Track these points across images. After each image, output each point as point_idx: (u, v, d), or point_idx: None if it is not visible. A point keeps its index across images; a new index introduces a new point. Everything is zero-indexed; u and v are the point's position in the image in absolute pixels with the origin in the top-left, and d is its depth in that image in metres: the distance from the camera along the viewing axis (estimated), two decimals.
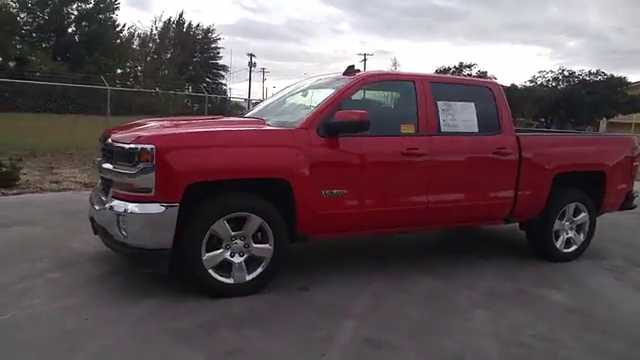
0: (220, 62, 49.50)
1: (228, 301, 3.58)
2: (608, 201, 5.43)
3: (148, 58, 46.18)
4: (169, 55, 46.95)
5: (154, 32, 46.69)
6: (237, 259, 3.69)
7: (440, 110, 4.45)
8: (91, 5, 39.54)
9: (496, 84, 4.94)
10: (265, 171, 3.69)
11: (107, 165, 3.73)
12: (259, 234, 3.75)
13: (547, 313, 3.81)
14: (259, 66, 54.31)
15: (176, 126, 4.07)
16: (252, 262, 3.75)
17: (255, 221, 3.67)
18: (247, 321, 3.33)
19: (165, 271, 3.53)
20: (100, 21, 38.90)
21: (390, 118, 4.52)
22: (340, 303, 3.73)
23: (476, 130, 4.63)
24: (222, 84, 50.64)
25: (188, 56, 46.95)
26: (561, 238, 5.18)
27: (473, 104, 4.66)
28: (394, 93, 4.79)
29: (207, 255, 3.57)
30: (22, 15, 37.04)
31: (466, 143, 4.58)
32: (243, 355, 2.88)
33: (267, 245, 3.74)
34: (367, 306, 3.72)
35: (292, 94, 4.98)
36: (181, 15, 48.43)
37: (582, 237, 5.29)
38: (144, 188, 3.39)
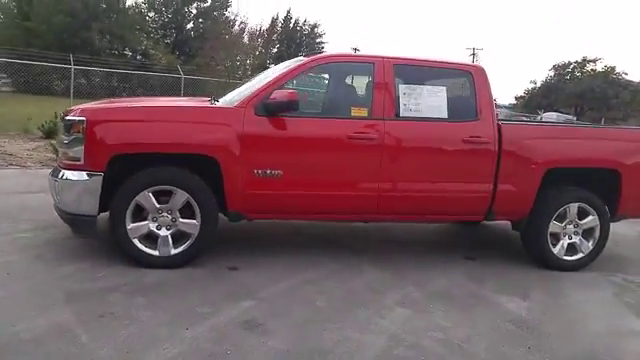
0: None
1: (147, 271, 3.69)
2: (627, 205, 4.67)
3: (257, 52, 48.27)
4: (275, 50, 48.68)
5: (262, 28, 48.76)
6: (163, 232, 3.78)
7: (401, 94, 4.15)
8: (208, 3, 42.35)
9: (479, 68, 4.46)
10: (190, 147, 3.74)
11: (60, 137, 4.04)
12: (188, 209, 3.80)
13: (483, 321, 3.41)
14: None
15: (124, 102, 4.26)
16: (180, 236, 3.82)
17: (181, 196, 3.74)
18: (147, 290, 3.41)
19: (94, 237, 3.74)
20: (214, 17, 41.48)
21: (340, 100, 4.32)
22: (257, 285, 3.67)
23: (444, 116, 4.24)
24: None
25: (295, 51, 48.28)
26: (560, 243, 4.57)
27: (444, 89, 4.27)
28: (350, 75, 4.55)
29: (132, 225, 3.71)
30: (150, 14, 40.73)
31: (428, 129, 4.22)
32: (112, 318, 2.97)
33: (194, 221, 3.79)
34: (281, 291, 3.61)
35: (265, 76, 4.95)
36: (289, 11, 50.07)
37: (591, 244, 4.61)
38: (75, 157, 3.63)
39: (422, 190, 4.20)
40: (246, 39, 46.53)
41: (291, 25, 49.47)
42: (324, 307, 3.40)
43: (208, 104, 4.13)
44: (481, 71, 4.43)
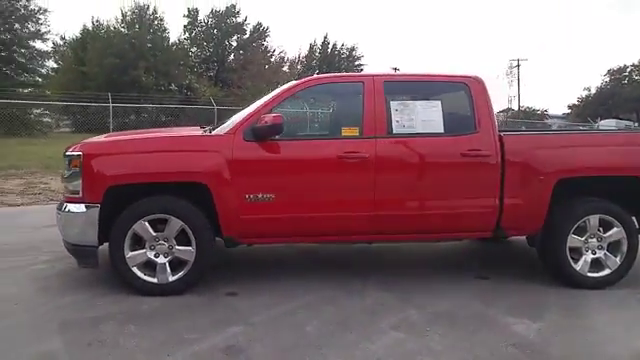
0: None
1: (144, 299, 3.75)
2: None
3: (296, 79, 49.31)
4: (315, 75, 49.46)
5: (301, 55, 49.78)
6: (161, 260, 3.84)
7: (393, 110, 4.07)
8: (247, 35, 43.77)
9: (475, 79, 4.31)
10: (180, 175, 3.81)
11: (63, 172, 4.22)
12: (184, 237, 3.85)
13: (483, 344, 3.21)
14: None
15: (120, 136, 4.41)
16: (178, 264, 3.87)
17: (175, 223, 3.79)
18: (140, 317, 3.46)
19: (95, 266, 3.85)
20: (253, 48, 42.77)
21: (331, 121, 4.29)
22: (251, 310, 3.63)
23: (441, 130, 4.12)
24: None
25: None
26: (583, 259, 4.26)
27: (439, 102, 4.16)
28: (340, 96, 4.51)
29: (130, 254, 3.79)
30: (193, 49, 42.48)
31: (423, 145, 4.09)
32: (99, 346, 3.02)
33: (190, 248, 3.83)
34: (274, 316, 3.56)
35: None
36: (326, 37, 50.90)
37: (618, 259, 4.27)
38: (74, 190, 3.78)
39: (419, 208, 4.07)
40: (286, 67, 47.85)
41: (329, 50, 50.24)
42: (313, 332, 3.32)
43: (200, 133, 4.20)
44: (478, 82, 4.29)
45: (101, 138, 4.29)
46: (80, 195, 3.73)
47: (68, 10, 62.31)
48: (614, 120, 32.84)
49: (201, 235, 3.82)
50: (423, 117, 4.12)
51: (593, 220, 4.23)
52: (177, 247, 3.83)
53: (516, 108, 47.78)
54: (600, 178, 4.27)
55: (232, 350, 3.01)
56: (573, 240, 4.23)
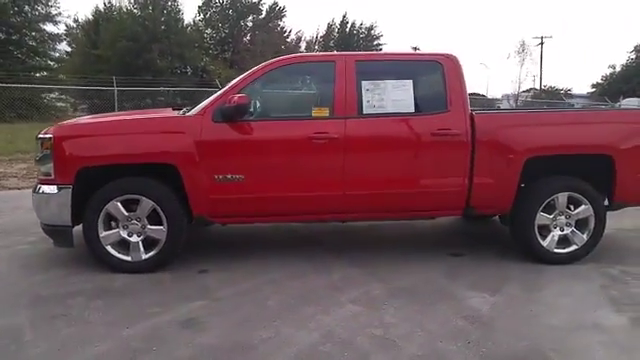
0: None
1: (118, 276, 3.92)
2: (625, 192, 4.33)
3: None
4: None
5: (319, 35, 49.39)
6: (134, 239, 3.99)
7: (364, 90, 4.12)
8: (263, 15, 43.50)
9: (449, 57, 4.30)
10: (150, 156, 3.93)
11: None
12: (156, 216, 3.99)
13: (435, 317, 3.29)
14: None
15: (94, 118, 4.53)
16: (151, 242, 4.02)
17: (147, 204, 3.94)
18: (109, 293, 3.63)
19: (70, 245, 4.02)
20: (269, 29, 42.56)
21: (301, 102, 4.35)
22: (218, 286, 3.78)
23: (411, 110, 4.16)
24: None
25: None
26: (551, 235, 4.31)
27: (411, 81, 4.18)
28: (312, 76, 4.55)
29: (104, 233, 3.95)
30: (207, 31, 42.46)
31: (393, 125, 4.14)
32: (63, 319, 3.19)
33: (161, 227, 3.98)
34: (239, 291, 3.70)
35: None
36: (345, 16, 50.30)
37: (585, 235, 4.31)
38: (47, 172, 3.93)
39: (389, 188, 4.13)
40: (303, 48, 47.57)
41: (347, 29, 49.69)
42: (273, 306, 3.45)
43: (171, 114, 4.30)
44: (452, 60, 4.29)
45: (79, 120, 4.43)
46: (52, 177, 3.88)
47: None
48: (636, 99, 31.89)
49: (172, 215, 3.96)
50: (394, 97, 4.15)
51: (562, 198, 4.26)
52: (149, 226, 3.98)
53: (539, 87, 46.75)
54: (571, 157, 4.26)
55: (190, 323, 3.16)
56: (541, 218, 4.28)
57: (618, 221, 5.09)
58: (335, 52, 4.12)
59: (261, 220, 4.40)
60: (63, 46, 33.91)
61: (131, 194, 3.93)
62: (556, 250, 4.33)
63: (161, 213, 3.95)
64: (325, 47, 49.17)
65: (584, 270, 4.20)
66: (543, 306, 3.50)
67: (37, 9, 27.56)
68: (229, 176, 3.96)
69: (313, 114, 4.15)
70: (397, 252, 4.65)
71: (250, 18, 44.35)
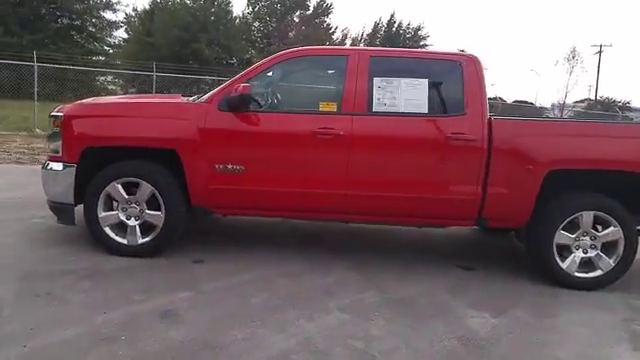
0: None
1: (113, 259, 3.89)
2: None
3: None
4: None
5: (365, 33, 48.90)
6: (132, 222, 3.95)
7: (375, 87, 3.91)
8: (310, 11, 43.52)
9: (470, 58, 4.03)
10: (153, 140, 3.87)
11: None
12: (155, 201, 3.93)
13: (427, 334, 3.08)
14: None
15: (107, 100, 4.51)
16: (149, 227, 3.96)
17: (146, 188, 3.88)
18: (100, 275, 3.60)
19: (72, 223, 4.02)
20: (315, 25, 42.55)
21: (310, 95, 4.19)
22: (209, 278, 3.69)
23: (425, 111, 3.92)
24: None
25: None
26: (572, 257, 3.98)
27: (426, 81, 3.94)
28: (323, 69, 4.37)
29: (103, 214, 3.93)
30: (255, 24, 42.86)
31: (403, 125, 3.92)
32: (46, 298, 3.17)
33: (159, 212, 3.91)
34: (228, 285, 3.59)
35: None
36: (392, 15, 49.66)
37: (613, 261, 3.95)
38: (55, 149, 3.95)
39: (394, 190, 3.91)
40: (348, 45, 47.31)
41: (394, 29, 49.04)
42: (257, 304, 3.32)
43: (178, 100, 4.23)
44: (472, 61, 4.02)
45: (92, 100, 4.43)
46: (60, 154, 3.89)
47: None
48: None
49: (170, 201, 3.89)
50: (407, 96, 3.93)
51: (586, 217, 3.91)
52: (147, 211, 3.92)
53: (594, 98, 44.71)
54: (600, 172, 3.92)
55: (167, 314, 3.07)
56: (562, 236, 3.95)
57: None
58: (350, 46, 3.97)
59: (260, 213, 4.27)
60: (121, 33, 35.07)
61: (131, 177, 3.88)
62: (577, 274, 3.98)
63: (160, 199, 3.88)
64: (370, 45, 48.68)
65: (609, 299, 3.84)
66: (552, 334, 3.21)
67: None
68: (229, 166, 3.85)
69: (320, 109, 3.97)
70: (403, 259, 4.43)
71: (297, 13, 44.49)
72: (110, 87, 27.00)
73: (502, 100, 43.06)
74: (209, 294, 3.42)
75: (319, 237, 4.98)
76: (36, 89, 12.39)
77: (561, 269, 3.97)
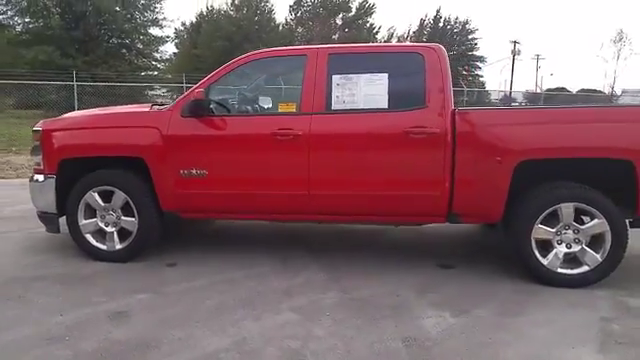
0: (477, 53, 47.56)
1: (91, 264, 4.09)
2: None
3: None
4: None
5: (411, 30, 48.12)
6: (110, 229, 4.13)
7: (334, 85, 3.88)
8: (352, 13, 43.47)
9: (432, 48, 3.90)
10: (120, 149, 4.02)
11: None
12: (130, 208, 4.09)
13: (371, 336, 3.00)
14: (532, 52, 49.69)
15: (82, 113, 4.71)
16: (126, 233, 4.13)
17: (120, 195, 4.05)
18: (73, 279, 3.78)
19: (57, 231, 4.25)
20: (358, 25, 42.43)
21: (271, 96, 4.19)
22: (175, 280, 3.79)
23: (384, 106, 3.84)
24: (479, 76, 48.58)
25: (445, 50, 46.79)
26: (554, 252, 3.75)
27: (386, 75, 3.86)
28: (284, 70, 4.37)
29: (83, 222, 4.13)
30: (299, 30, 43.35)
31: (362, 122, 3.85)
32: (15, 301, 3.38)
33: (133, 219, 4.07)
34: (190, 288, 3.66)
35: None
36: (438, 11, 48.58)
37: (600, 255, 3.69)
38: (37, 162, 4.19)
39: (357, 189, 3.85)
40: (394, 43, 46.88)
41: (440, 24, 47.96)
42: (210, 305, 3.36)
43: (145, 109, 4.37)
44: (434, 51, 3.90)
45: (70, 114, 4.67)
46: (41, 167, 4.12)
47: None
48: None
49: (142, 207, 4.03)
50: (366, 92, 3.87)
51: (566, 209, 3.68)
52: (123, 218, 4.09)
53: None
54: (579, 161, 3.68)
55: (118, 315, 3.18)
56: (540, 231, 3.74)
57: None
58: (309, 45, 3.91)
59: (226, 217, 4.33)
60: (171, 47, 36.52)
61: (106, 185, 4.05)
62: (561, 270, 3.75)
63: (133, 205, 4.03)
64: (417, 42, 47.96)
65: (593, 297, 3.58)
66: (508, 334, 3.04)
67: (146, 15, 29.85)
68: (194, 171, 3.94)
69: (280, 110, 3.99)
70: (380, 259, 4.34)
71: (340, 16, 44.56)
72: (159, 101, 28.02)
73: (566, 90, 41.05)
74: (167, 296, 3.51)
75: (303, 238, 4.98)
76: (76, 107, 13.13)
77: (542, 265, 3.76)
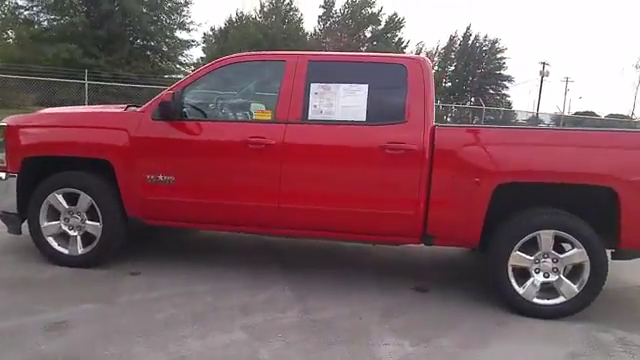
0: (505, 72, 46.90)
1: (52, 268, 3.95)
2: (636, 235, 3.38)
3: (432, 71, 47.68)
4: (452, 68, 47.23)
5: (439, 47, 47.70)
6: (73, 232, 4.00)
7: (312, 94, 3.71)
8: (381, 26, 43.37)
9: (416, 60, 3.71)
10: (85, 150, 3.90)
11: None
12: (95, 212, 3.97)
13: (322, 357, 2.84)
14: (561, 75, 48.74)
15: (51, 110, 4.60)
16: (91, 238, 4.00)
17: (85, 199, 3.92)
18: (25, 284, 3.66)
19: (18, 233, 4.14)
20: (386, 39, 42.27)
21: (246, 103, 4.03)
22: (132, 290, 3.64)
23: (361, 119, 3.66)
24: (506, 95, 47.93)
25: (473, 68, 46.27)
26: (531, 281, 3.51)
27: (366, 87, 3.68)
28: (261, 75, 4.19)
29: (45, 224, 4.01)
30: (327, 39, 43.42)
31: (338, 134, 3.66)
32: None
33: (98, 223, 3.94)
34: (145, 299, 3.50)
35: None
36: (468, 28, 48.02)
37: (577, 287, 3.44)
38: (1, 159, 4.09)
39: (330, 204, 3.66)
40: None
41: (470, 42, 47.41)
42: (159, 319, 3.20)
43: (116, 110, 4.25)
44: (418, 64, 3.71)
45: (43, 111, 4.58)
46: (5, 164, 4.02)
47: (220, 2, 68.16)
48: None
49: (107, 212, 3.90)
50: (344, 103, 3.70)
51: (545, 236, 3.44)
52: (88, 222, 3.96)
53: None
54: (561, 187, 3.43)
55: (56, 327, 3.01)
56: (518, 258, 3.49)
57: None
58: (290, 52, 3.76)
59: (191, 226, 4.18)
60: (198, 52, 36.84)
61: (70, 188, 3.94)
62: (537, 300, 3.51)
63: (97, 209, 3.91)
64: (445, 59, 47.50)
65: (567, 330, 3.35)
66: None
67: (172, 18, 30.24)
68: (160, 177, 3.81)
69: (255, 117, 3.83)
70: (356, 278, 4.14)
71: (369, 28, 44.49)
72: None
73: (594, 114, 39.94)
74: (117, 307, 3.36)
75: (281, 253, 4.77)
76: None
77: (517, 294, 3.52)
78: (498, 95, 46.85)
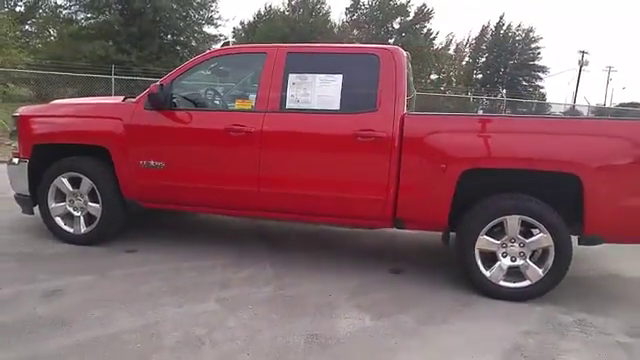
0: (540, 63, 45.62)
1: (55, 245, 4.35)
2: (598, 222, 3.50)
3: (463, 63, 46.92)
4: (484, 59, 46.33)
5: (471, 37, 46.84)
6: (77, 213, 4.39)
7: (290, 84, 3.94)
8: (410, 18, 42.90)
9: (390, 50, 3.87)
10: (84, 138, 4.26)
11: None
12: (95, 195, 4.33)
13: (282, 330, 3.06)
14: (602, 64, 47.27)
15: (59, 102, 4.98)
16: (92, 218, 4.37)
17: (86, 182, 4.29)
18: (33, 258, 4.04)
19: (31, 213, 4.55)
20: (415, 31, 41.82)
21: (230, 93, 4.29)
22: (125, 265, 3.97)
23: (335, 107, 3.87)
24: (539, 87, 46.66)
25: (504, 59, 45.28)
26: (498, 265, 3.67)
27: (341, 77, 3.89)
28: (245, 67, 4.43)
29: (53, 205, 4.41)
30: (354, 32, 43.33)
31: (313, 122, 3.88)
32: None
33: (98, 205, 4.31)
34: (133, 273, 3.82)
35: None
36: (501, 17, 46.93)
37: (542, 271, 3.58)
38: (15, 146, 4.52)
39: (305, 188, 3.89)
40: (452, 50, 45.80)
41: (502, 31, 46.38)
42: (142, 290, 3.50)
43: (114, 100, 4.58)
44: (392, 53, 3.87)
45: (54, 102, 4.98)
46: (18, 151, 4.44)
47: None
48: None
49: (106, 194, 4.26)
50: (320, 92, 3.91)
51: (511, 221, 3.58)
52: (89, 203, 4.33)
53: None
54: (529, 173, 3.56)
55: (52, 293, 3.38)
56: (484, 242, 3.65)
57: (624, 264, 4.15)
58: (271, 44, 3.92)
59: (181, 208, 4.47)
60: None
61: (73, 172, 4.30)
62: (503, 283, 3.66)
63: (97, 192, 4.26)
64: (476, 50, 46.68)
65: (528, 311, 3.49)
66: (416, 341, 3.01)
67: (201, 13, 30.88)
68: (152, 163, 4.12)
69: (237, 106, 4.09)
70: (336, 259, 4.37)
71: (397, 20, 44.08)
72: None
73: (638, 106, 38.50)
74: (109, 279, 3.70)
75: (272, 235, 5.04)
76: None
77: (484, 277, 3.68)
78: (531, 87, 45.67)
